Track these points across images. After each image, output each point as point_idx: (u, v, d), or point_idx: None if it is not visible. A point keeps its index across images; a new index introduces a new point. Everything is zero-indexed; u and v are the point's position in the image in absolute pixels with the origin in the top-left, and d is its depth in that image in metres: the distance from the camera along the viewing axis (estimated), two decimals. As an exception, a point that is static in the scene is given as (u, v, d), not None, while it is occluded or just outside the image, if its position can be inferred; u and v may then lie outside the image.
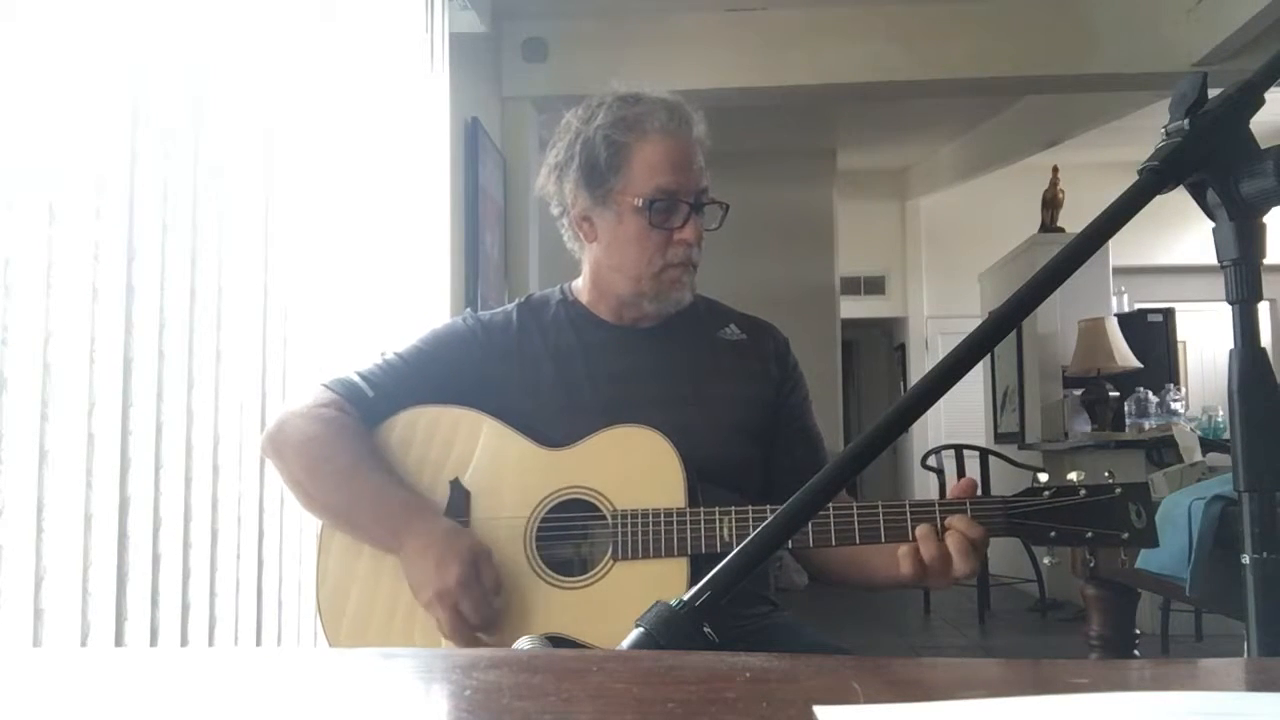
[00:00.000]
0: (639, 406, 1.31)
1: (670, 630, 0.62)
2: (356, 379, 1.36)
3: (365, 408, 1.33)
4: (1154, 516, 1.17)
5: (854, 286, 7.64)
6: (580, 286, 1.47)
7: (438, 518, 1.25)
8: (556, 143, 1.40)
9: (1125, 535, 1.17)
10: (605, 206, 1.36)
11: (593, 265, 1.43)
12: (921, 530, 1.16)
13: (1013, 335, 5.85)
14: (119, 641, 1.34)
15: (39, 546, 1.20)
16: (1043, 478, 1.22)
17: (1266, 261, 0.72)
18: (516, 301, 1.49)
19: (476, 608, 1.18)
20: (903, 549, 1.17)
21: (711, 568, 0.66)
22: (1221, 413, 4.57)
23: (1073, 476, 1.20)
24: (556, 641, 1.16)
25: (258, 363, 1.78)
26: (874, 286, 7.95)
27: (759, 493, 1.35)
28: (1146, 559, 1.68)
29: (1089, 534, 1.18)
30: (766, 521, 0.67)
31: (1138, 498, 1.17)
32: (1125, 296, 6.45)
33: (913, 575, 1.17)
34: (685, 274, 1.37)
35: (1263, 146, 0.71)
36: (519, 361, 1.39)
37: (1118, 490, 1.18)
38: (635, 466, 1.25)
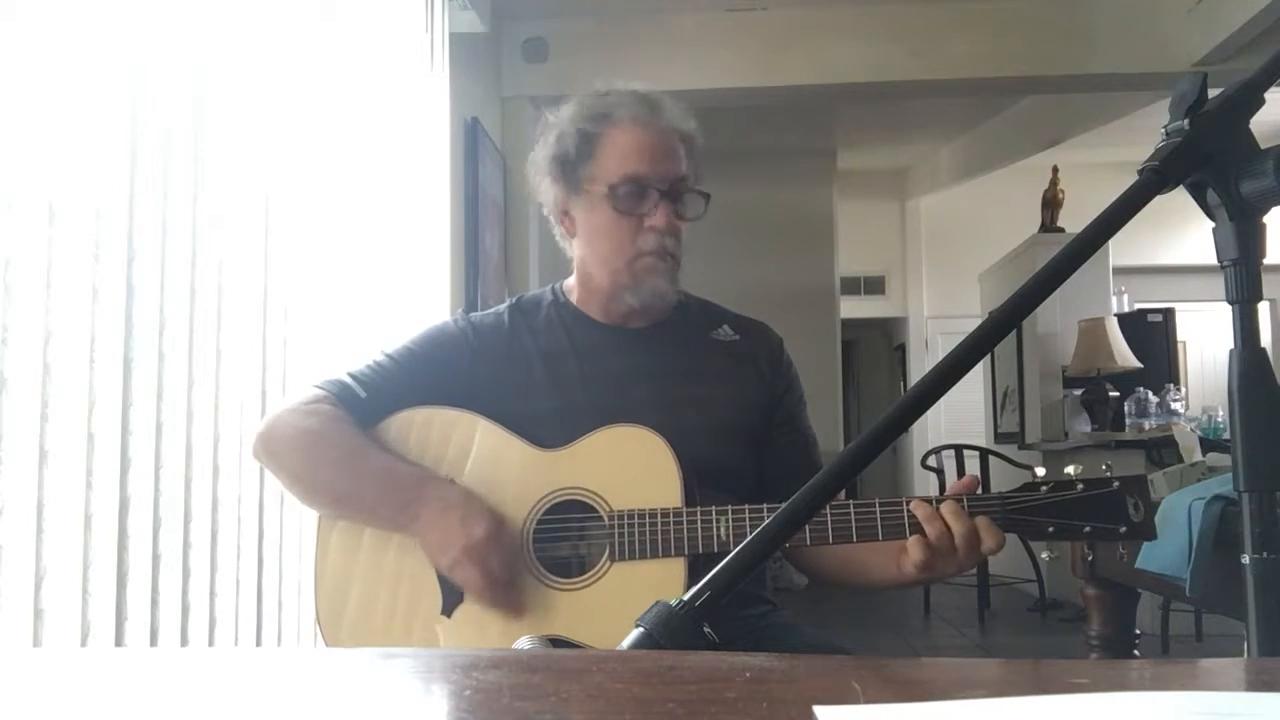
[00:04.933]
0: (632, 407, 1.31)
1: (670, 630, 0.62)
2: (348, 379, 1.36)
3: (357, 408, 1.32)
4: (1152, 509, 1.17)
5: (854, 286, 7.63)
6: (570, 285, 1.47)
7: (451, 484, 1.26)
8: (537, 141, 1.41)
9: (1123, 529, 1.17)
10: (579, 196, 1.37)
11: (578, 261, 1.43)
12: (924, 513, 1.16)
13: (1013, 335, 5.85)
14: (119, 641, 1.34)
15: (39, 546, 1.20)
16: (1040, 472, 1.22)
17: (1266, 261, 0.72)
18: (508, 302, 1.48)
19: (505, 562, 1.20)
20: (911, 539, 1.16)
21: (709, 568, 0.66)
22: (1221, 413, 4.56)
23: (1070, 470, 1.20)
24: (555, 643, 1.16)
25: (258, 363, 1.78)
26: (874, 286, 7.95)
27: (752, 494, 1.34)
28: (1146, 559, 1.68)
29: (1087, 528, 1.17)
30: (766, 522, 0.67)
31: (1135, 491, 1.17)
32: (1125, 296, 6.44)
33: (921, 562, 1.16)
34: (660, 262, 1.35)
35: (1263, 146, 0.71)
36: (510, 363, 1.39)
37: (1115, 484, 1.17)
38: (631, 467, 1.25)
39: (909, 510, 1.18)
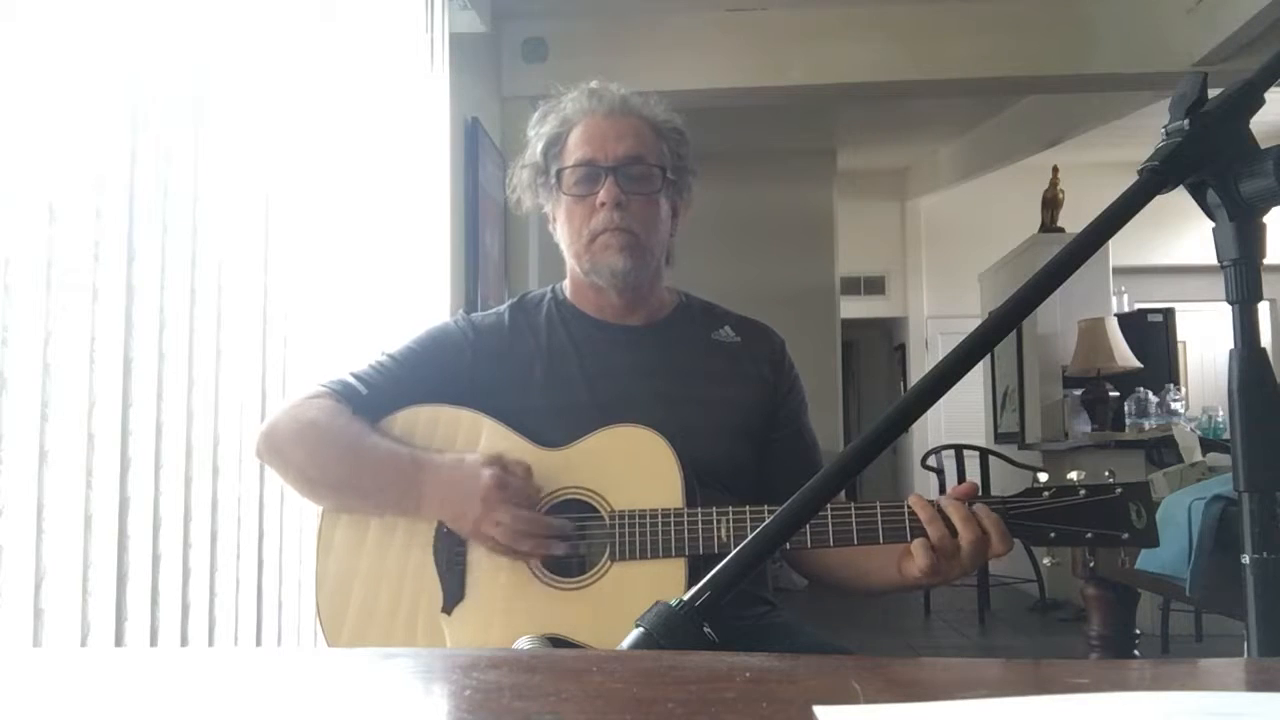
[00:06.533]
0: (632, 406, 1.31)
1: (670, 630, 0.62)
2: (350, 378, 1.36)
3: (359, 405, 1.33)
4: (1154, 516, 1.17)
5: (854, 286, 7.63)
6: (567, 284, 1.48)
7: (445, 455, 1.27)
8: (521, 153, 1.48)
9: (1125, 535, 1.17)
10: (551, 195, 1.42)
11: (566, 259, 1.44)
12: (927, 515, 1.16)
13: (1013, 335, 5.85)
14: (119, 641, 1.34)
15: (39, 546, 1.19)
16: (1042, 477, 1.22)
17: (1266, 261, 0.72)
18: (509, 302, 1.49)
19: (523, 493, 1.21)
20: (914, 543, 1.16)
21: (709, 568, 0.66)
22: (1221, 413, 4.57)
23: (1073, 476, 1.20)
24: (555, 642, 1.16)
25: (258, 363, 1.78)
26: (874, 286, 7.95)
27: (752, 495, 1.34)
28: (1146, 559, 1.68)
29: (1089, 534, 1.17)
30: (766, 522, 0.67)
31: (1138, 497, 1.17)
32: (1125, 296, 6.45)
33: (926, 566, 1.16)
34: (614, 238, 1.36)
35: (1263, 146, 0.71)
36: (511, 362, 1.39)
37: (1118, 490, 1.17)
38: (633, 466, 1.25)
39: (911, 511, 1.17)
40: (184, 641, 1.50)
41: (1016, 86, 4.90)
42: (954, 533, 1.15)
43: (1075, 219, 5.48)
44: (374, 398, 1.34)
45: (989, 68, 4.36)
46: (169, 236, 1.49)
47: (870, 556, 1.27)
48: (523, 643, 0.75)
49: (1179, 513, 1.67)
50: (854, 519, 1.18)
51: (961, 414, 6.83)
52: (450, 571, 1.26)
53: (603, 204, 1.35)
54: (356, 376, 1.36)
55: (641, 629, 0.63)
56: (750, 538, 0.67)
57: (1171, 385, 4.92)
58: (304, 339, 1.95)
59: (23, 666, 0.60)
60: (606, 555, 1.23)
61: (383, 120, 2.49)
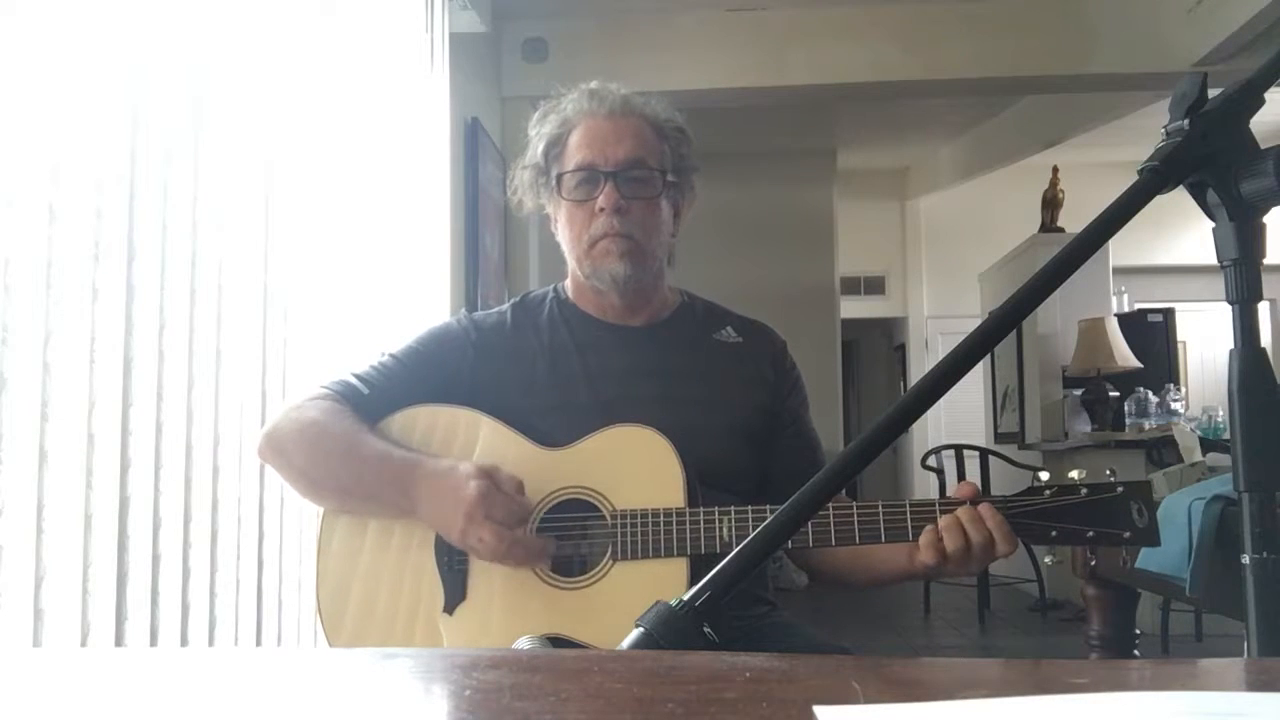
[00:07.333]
0: (634, 406, 1.31)
1: (670, 630, 0.62)
2: (351, 378, 1.36)
3: (361, 404, 1.33)
4: (1155, 515, 1.17)
5: (854, 286, 7.64)
6: (569, 284, 1.48)
7: (440, 460, 1.26)
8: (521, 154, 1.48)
9: (1127, 534, 1.17)
10: (551, 196, 1.42)
11: (568, 260, 1.45)
12: (945, 521, 1.16)
13: (1013, 335, 5.85)
14: (119, 641, 1.34)
15: (39, 546, 1.19)
16: (1044, 476, 1.22)
17: (1266, 261, 0.72)
18: (511, 301, 1.49)
19: (508, 509, 1.19)
20: (925, 537, 1.17)
21: (711, 568, 0.66)
22: (1221, 413, 4.56)
23: (1074, 475, 1.20)
24: (556, 642, 1.16)
25: (258, 363, 1.78)
26: (874, 286, 7.95)
27: (754, 495, 1.34)
28: (1146, 559, 1.68)
29: (1090, 533, 1.17)
30: (767, 521, 0.67)
31: (1139, 496, 1.17)
32: (1125, 296, 6.45)
33: (932, 563, 1.17)
34: (614, 244, 1.36)
35: (1263, 146, 0.71)
36: (513, 361, 1.39)
37: (1119, 489, 1.17)
38: (635, 466, 1.25)
39: (915, 512, 1.18)
40: (184, 641, 1.50)
41: (1016, 86, 4.90)
42: (968, 538, 1.15)
43: (1075, 219, 5.48)
44: (376, 397, 1.34)
45: (989, 68, 4.36)
46: (169, 236, 1.49)
47: (877, 549, 1.27)
48: (523, 643, 0.75)
49: (1179, 513, 1.67)
50: (856, 518, 1.18)
51: (961, 414, 6.83)
52: (451, 572, 1.26)
53: (602, 209, 1.35)
54: (358, 376, 1.36)
55: (641, 629, 0.63)
56: (750, 537, 0.67)
57: (1171, 385, 4.92)
58: (304, 339, 1.95)
59: (23, 666, 0.60)
60: (608, 555, 1.23)
61: (383, 120, 2.49)
